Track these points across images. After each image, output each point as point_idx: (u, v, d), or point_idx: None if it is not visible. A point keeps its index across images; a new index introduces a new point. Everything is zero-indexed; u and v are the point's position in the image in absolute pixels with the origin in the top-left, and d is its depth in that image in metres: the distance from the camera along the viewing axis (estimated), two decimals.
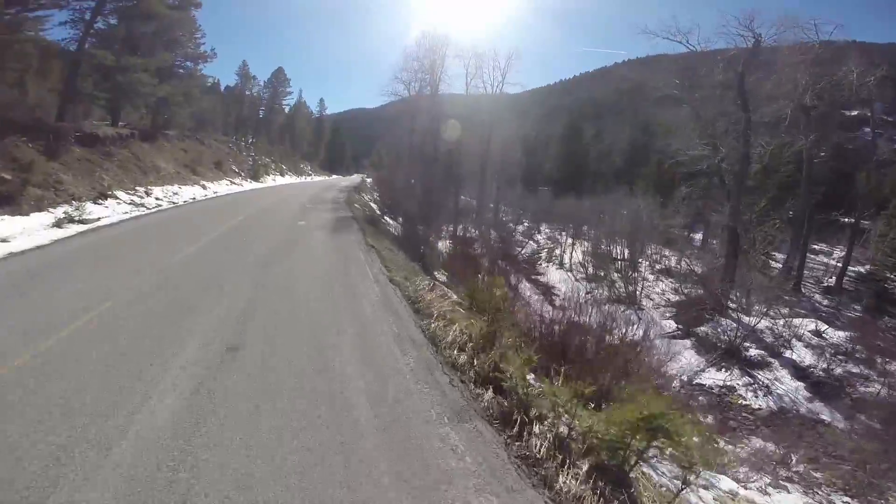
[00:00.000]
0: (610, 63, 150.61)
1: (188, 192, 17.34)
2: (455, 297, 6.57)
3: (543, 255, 32.72)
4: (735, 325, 18.39)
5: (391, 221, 21.85)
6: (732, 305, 20.19)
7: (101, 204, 12.23)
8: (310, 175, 54.69)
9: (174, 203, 14.75)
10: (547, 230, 43.12)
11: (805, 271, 25.46)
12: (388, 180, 36.92)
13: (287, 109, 68.17)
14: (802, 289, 24.12)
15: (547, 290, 24.55)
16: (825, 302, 24.19)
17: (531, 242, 36.46)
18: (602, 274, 27.62)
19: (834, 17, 51.67)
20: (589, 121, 78.24)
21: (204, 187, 19.46)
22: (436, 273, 11.56)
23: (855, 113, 37.42)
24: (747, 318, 18.37)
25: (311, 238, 10.72)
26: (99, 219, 10.84)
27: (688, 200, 38.24)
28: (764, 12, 21.54)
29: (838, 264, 29.05)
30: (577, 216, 44.72)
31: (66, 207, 10.57)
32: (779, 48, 20.24)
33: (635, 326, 20.76)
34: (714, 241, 33.56)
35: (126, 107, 20.39)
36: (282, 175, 41.37)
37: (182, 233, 10.29)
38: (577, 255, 31.69)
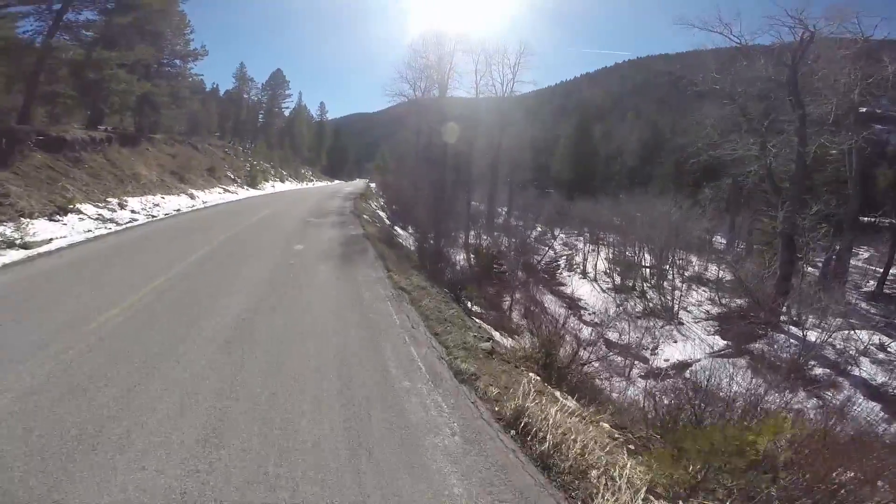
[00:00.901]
0: (611, 63, 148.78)
1: (172, 203, 15.22)
2: (575, 404, 4.12)
3: (562, 262, 30.54)
4: (792, 340, 16.36)
5: (401, 232, 19.70)
6: (783, 318, 18.13)
7: (58, 221, 10.08)
8: (311, 181, 52.66)
9: (153, 216, 12.59)
10: (563, 235, 40.91)
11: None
12: (395, 185, 34.86)
13: (287, 113, 66.29)
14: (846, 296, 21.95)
15: (573, 304, 22.36)
16: (873, 310, 22.01)
17: (547, 249, 34.24)
18: (630, 284, 25.37)
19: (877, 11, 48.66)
20: (595, 121, 76.17)
21: (192, 197, 17.35)
22: (470, 305, 9.38)
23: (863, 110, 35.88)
24: (800, 331, 16.44)
25: (313, 277, 7.71)
26: (50, 240, 8.68)
27: (714, 202, 35.95)
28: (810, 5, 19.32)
29: (870, 267, 26.89)
30: (594, 220, 42.57)
31: (5, 227, 8.42)
32: (826, 41, 18.01)
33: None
34: (741, 246, 31.18)
35: (108, 109, 18.39)
36: (282, 181, 39.32)
37: (134, 268, 7.14)
38: (600, 263, 29.45)
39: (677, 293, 23.53)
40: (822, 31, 16.80)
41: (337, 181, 64.41)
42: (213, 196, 19.36)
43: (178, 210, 14.59)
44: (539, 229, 40.61)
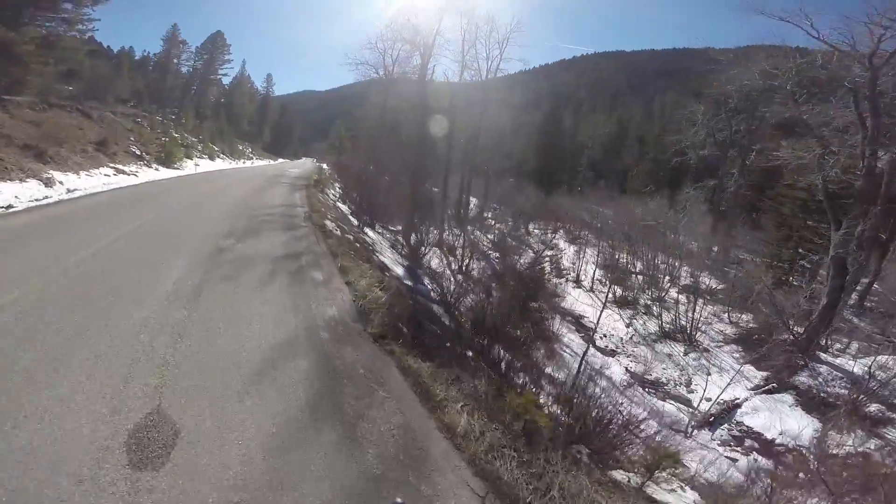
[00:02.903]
0: (589, 52, 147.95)
1: None
2: None
3: (547, 266, 26.74)
4: (836, 372, 13.69)
5: (372, 234, 14.82)
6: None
7: None
8: (251, 159, 45.67)
9: None
10: (536, 230, 37.25)
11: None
12: (355, 171, 29.47)
13: (226, 82, 58.01)
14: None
15: (577, 323, 18.53)
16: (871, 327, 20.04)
17: (525, 248, 30.33)
18: (632, 297, 21.91)
19: None
20: (566, 111, 73.36)
21: (48, 183, 11.49)
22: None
23: None
24: (835, 359, 13.79)
25: None
26: None
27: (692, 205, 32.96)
28: None
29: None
30: (569, 215, 39.18)
31: None
32: None
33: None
34: (748, 257, 28.43)
35: None
36: (211, 158, 32.66)
37: None
38: (591, 269, 25.88)
39: (682, 307, 20.45)
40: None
41: (281, 160, 57.23)
42: (91, 181, 13.45)
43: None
44: (510, 222, 36.69)
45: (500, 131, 36.37)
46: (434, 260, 18.34)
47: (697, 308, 18.31)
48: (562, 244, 31.63)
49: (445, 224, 27.30)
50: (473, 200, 36.05)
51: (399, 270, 11.58)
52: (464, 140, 31.09)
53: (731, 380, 13.37)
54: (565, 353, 13.54)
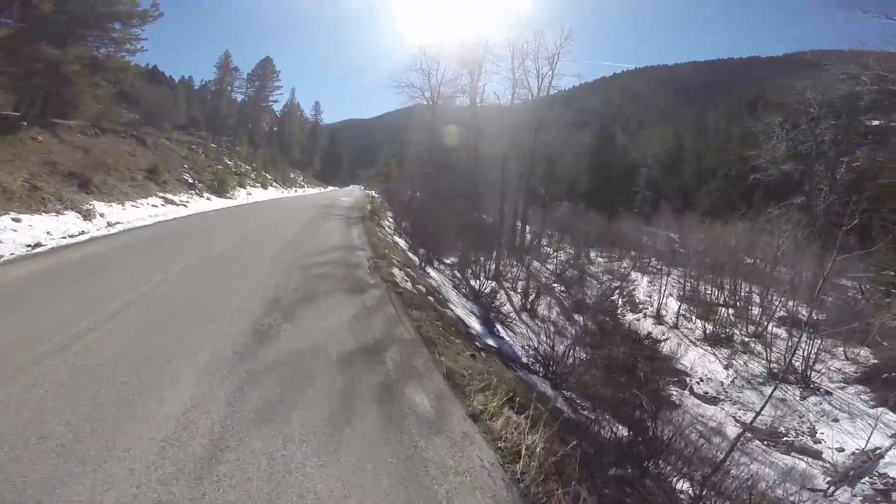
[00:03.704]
0: (609, 73, 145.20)
1: (24, 234, 8.30)
2: None
3: (618, 298, 23.91)
4: None
5: (434, 275, 12.88)
6: None
7: None
8: (302, 187, 45.55)
9: None
10: (599, 258, 34.31)
11: None
12: (402, 196, 28.09)
13: (276, 109, 59.30)
14: None
15: (668, 365, 15.74)
16: None
17: (589, 279, 27.55)
18: (726, 334, 18.80)
19: None
20: (615, 129, 70.21)
21: (87, 216, 10.35)
22: None
23: None
24: None
25: None
26: None
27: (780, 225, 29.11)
28: None
29: None
30: (634, 241, 36.01)
31: None
32: None
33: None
34: (849, 283, 24.45)
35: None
36: (263, 187, 32.26)
37: None
38: (672, 303, 22.82)
39: (783, 343, 17.25)
40: None
41: (331, 187, 57.24)
42: (136, 212, 12.35)
43: (32, 249, 7.68)
44: (569, 251, 33.87)
45: (553, 153, 34.23)
46: (494, 294, 16.15)
47: (806, 343, 15.44)
48: (629, 272, 28.60)
49: (501, 253, 25.17)
50: (527, 227, 33.76)
51: (476, 324, 9.51)
52: (515, 163, 29.10)
53: (874, 427, 11.03)
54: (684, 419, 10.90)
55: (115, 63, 15.06)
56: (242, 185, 27.00)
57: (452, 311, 8.84)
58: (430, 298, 7.80)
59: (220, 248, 8.72)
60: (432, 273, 12.60)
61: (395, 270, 8.10)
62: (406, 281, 7.69)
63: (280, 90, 54.23)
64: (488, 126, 27.74)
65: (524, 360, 9.15)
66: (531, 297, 19.36)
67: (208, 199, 19.36)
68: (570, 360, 8.40)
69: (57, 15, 12.52)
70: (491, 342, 8.92)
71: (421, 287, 8.12)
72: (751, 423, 9.93)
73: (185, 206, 15.83)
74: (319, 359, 4.01)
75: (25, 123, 12.08)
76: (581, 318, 20.17)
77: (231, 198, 22.00)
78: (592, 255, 34.26)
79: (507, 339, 11.16)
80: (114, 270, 6.29)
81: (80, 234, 9.36)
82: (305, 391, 3.37)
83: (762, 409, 9.10)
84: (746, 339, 18.82)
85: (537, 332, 14.56)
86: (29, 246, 7.87)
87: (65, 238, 8.76)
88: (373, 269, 7.96)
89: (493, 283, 19.03)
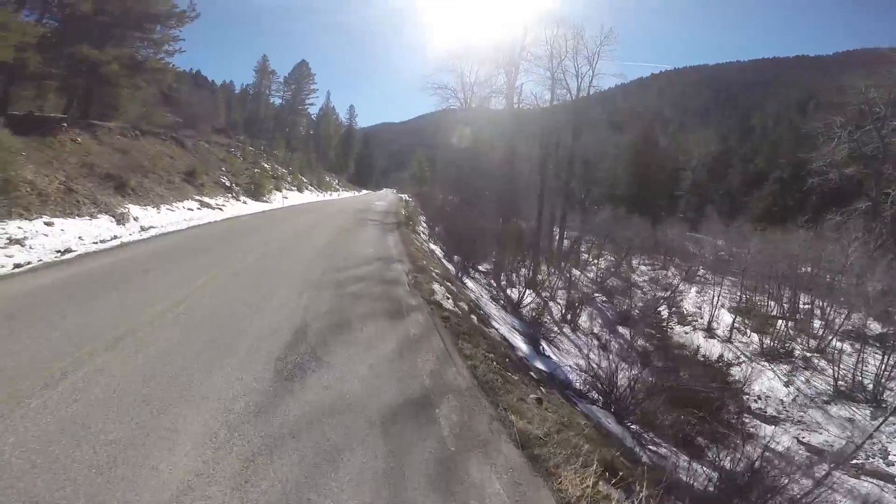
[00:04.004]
0: (646, 74, 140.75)
1: (55, 237, 8.04)
2: None
3: (664, 310, 22.39)
4: None
5: (472, 285, 12.06)
6: None
7: None
8: (336, 190, 45.72)
9: None
10: (643, 266, 32.60)
11: None
12: (438, 203, 27.42)
13: (312, 112, 59.97)
14: None
15: (725, 382, 14.37)
16: None
17: (631, 288, 26.02)
18: (785, 349, 17.18)
19: None
20: (656, 131, 67.33)
21: (121, 220, 10.10)
22: None
23: None
24: None
25: None
26: None
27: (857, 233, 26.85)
28: None
29: None
30: (682, 249, 34.08)
31: None
32: None
33: None
34: None
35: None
36: (299, 190, 32.33)
37: None
38: (725, 316, 21.15)
39: (849, 359, 15.57)
40: None
41: (365, 191, 57.34)
42: (171, 216, 12.13)
43: (61, 255, 7.37)
44: (609, 258, 32.24)
45: (593, 156, 32.79)
46: (541, 310, 15.15)
47: (876, 359, 13.90)
48: (675, 281, 26.86)
49: (539, 261, 24.07)
50: (565, 233, 32.44)
51: (521, 343, 8.62)
52: (553, 165, 27.90)
53: None
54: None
55: (154, 64, 15.05)
56: (279, 189, 27.01)
57: (497, 329, 8.00)
58: (474, 318, 6.99)
59: (249, 259, 8.19)
60: (469, 284, 11.78)
61: (436, 286, 7.32)
62: (447, 298, 6.90)
63: (316, 94, 54.91)
64: (525, 128, 26.73)
65: (577, 384, 8.20)
66: (573, 310, 18.22)
67: (244, 202, 19.24)
68: (631, 384, 7.41)
69: (97, 16, 12.54)
70: (540, 365, 8.04)
71: (463, 305, 7.32)
72: (844, 461, 8.61)
73: (220, 209, 15.65)
74: (355, 418, 3.18)
75: (66, 125, 12.05)
76: (627, 332, 18.93)
77: (267, 201, 21.90)
78: (635, 262, 32.53)
79: (555, 358, 10.21)
80: (134, 283, 5.77)
81: (111, 238, 9.06)
82: (337, 471, 2.55)
83: (863, 443, 7.84)
84: (808, 355, 17.26)
85: (583, 347, 13.54)
86: (58, 252, 7.57)
87: (96, 243, 8.46)
88: (413, 285, 7.20)
89: (531, 293, 18.06)
